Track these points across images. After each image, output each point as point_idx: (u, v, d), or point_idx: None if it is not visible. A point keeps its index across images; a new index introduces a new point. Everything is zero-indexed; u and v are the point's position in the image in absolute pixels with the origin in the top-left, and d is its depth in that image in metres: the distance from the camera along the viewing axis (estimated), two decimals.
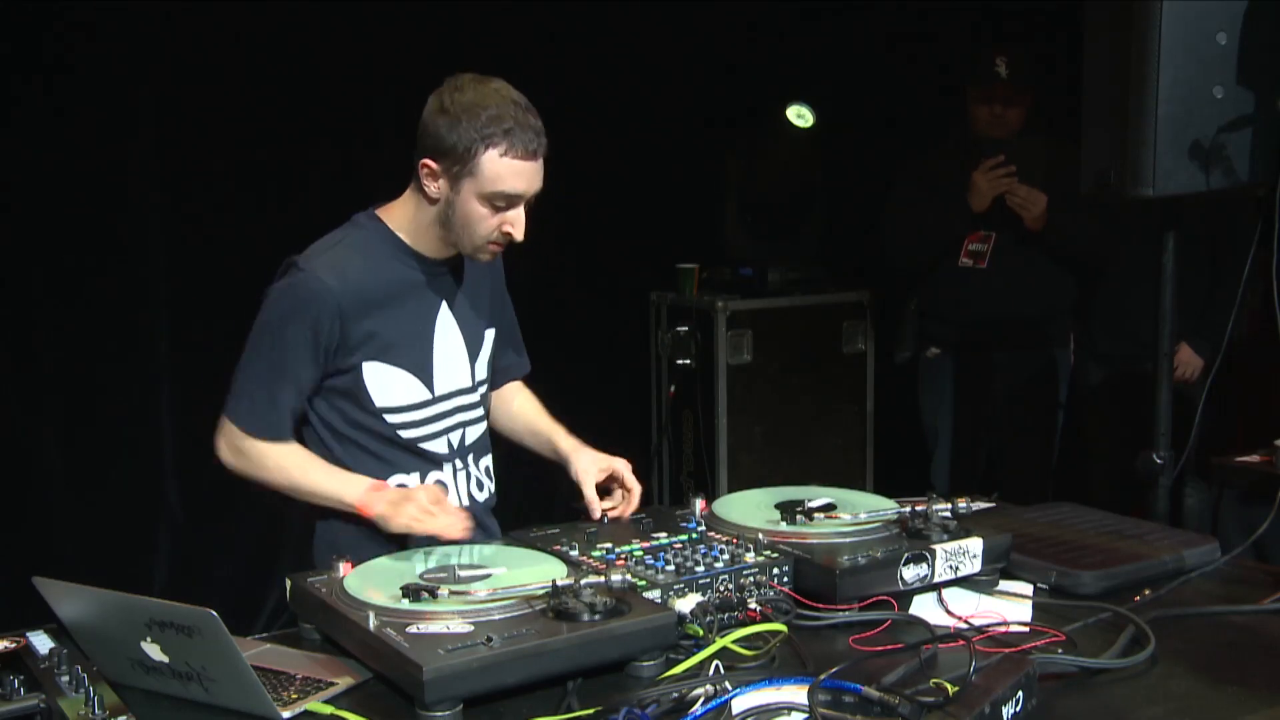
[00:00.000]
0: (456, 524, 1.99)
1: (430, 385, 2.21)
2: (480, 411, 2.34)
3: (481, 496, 2.33)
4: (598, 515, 2.21)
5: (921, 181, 4.14)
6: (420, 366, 2.19)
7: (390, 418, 2.18)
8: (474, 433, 2.32)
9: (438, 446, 2.24)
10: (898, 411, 4.76)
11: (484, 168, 2.02)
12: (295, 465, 2.15)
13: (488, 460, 2.39)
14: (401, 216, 2.17)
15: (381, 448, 2.20)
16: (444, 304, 2.23)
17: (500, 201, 2.05)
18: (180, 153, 3.90)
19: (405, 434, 2.20)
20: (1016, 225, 3.94)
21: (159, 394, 3.93)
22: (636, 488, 2.27)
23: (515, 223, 2.08)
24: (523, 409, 2.50)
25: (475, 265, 2.28)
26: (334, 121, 4.04)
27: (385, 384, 2.16)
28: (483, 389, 2.34)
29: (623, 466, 2.29)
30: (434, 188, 2.08)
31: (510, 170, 2.02)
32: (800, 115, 4.84)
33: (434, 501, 2.03)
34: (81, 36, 3.72)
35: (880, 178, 4.41)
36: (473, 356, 2.29)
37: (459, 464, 2.28)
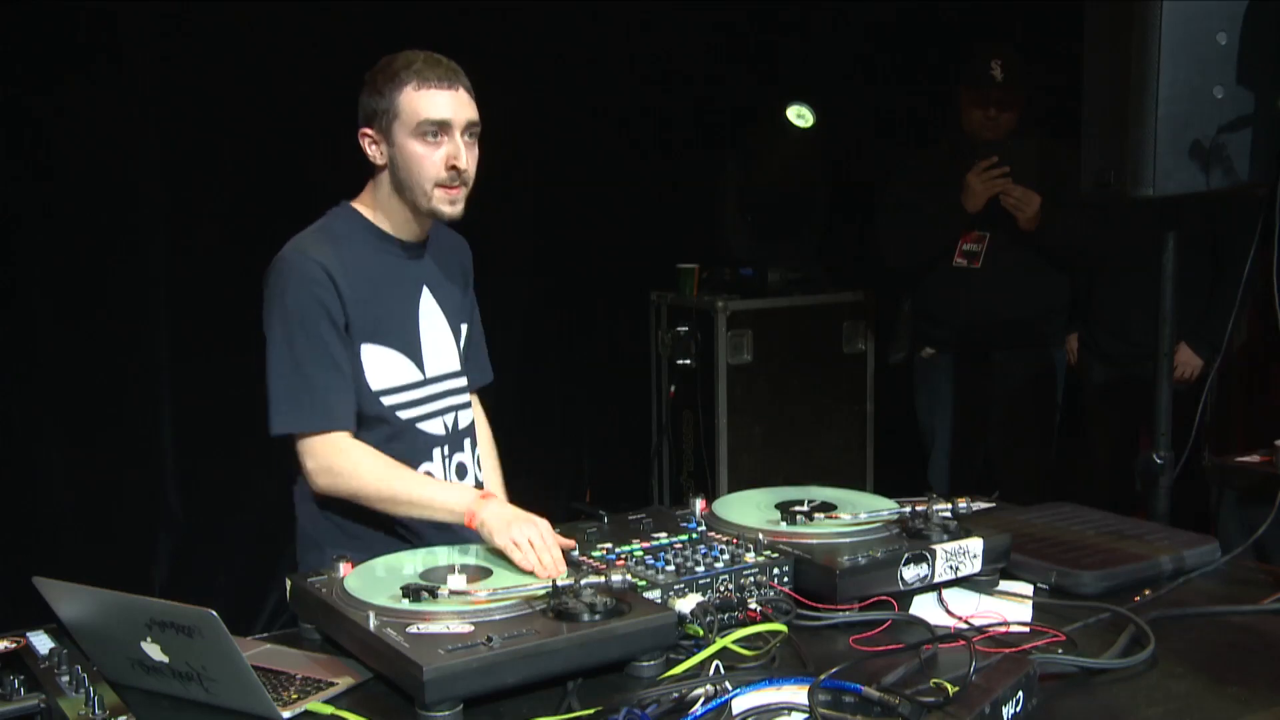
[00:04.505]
0: (557, 567, 1.85)
1: (420, 366, 2.24)
2: (467, 398, 2.36)
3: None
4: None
5: (916, 183, 4.15)
6: (410, 347, 2.22)
7: (386, 399, 2.18)
8: (465, 418, 2.35)
9: (434, 427, 2.25)
10: (898, 412, 4.76)
11: (403, 106, 2.09)
12: (395, 478, 2.08)
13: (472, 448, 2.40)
14: (370, 201, 2.22)
15: (377, 438, 2.14)
16: (425, 287, 2.27)
17: (429, 129, 2.08)
18: (184, 158, 3.89)
19: (402, 414, 2.20)
20: (1010, 226, 3.94)
21: (160, 394, 3.92)
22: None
23: (455, 153, 2.10)
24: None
25: (446, 259, 2.33)
26: (338, 126, 4.02)
27: (380, 365, 2.17)
28: (465, 377, 2.37)
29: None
30: (377, 153, 2.14)
31: (427, 98, 2.08)
32: (800, 115, 4.84)
33: (544, 538, 1.90)
34: (85, 40, 3.72)
35: (880, 178, 4.41)
36: (456, 342, 2.34)
37: (447, 449, 2.27)
